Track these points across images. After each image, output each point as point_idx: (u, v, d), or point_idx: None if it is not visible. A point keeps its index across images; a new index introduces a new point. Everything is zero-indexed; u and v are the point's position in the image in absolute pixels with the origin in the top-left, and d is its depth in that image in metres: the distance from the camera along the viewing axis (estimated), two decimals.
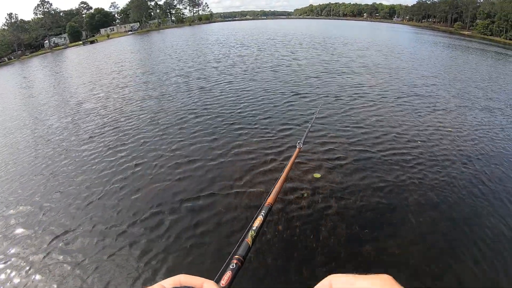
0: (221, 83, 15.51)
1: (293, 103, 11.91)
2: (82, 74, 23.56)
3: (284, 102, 11.97)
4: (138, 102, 13.68)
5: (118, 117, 11.81)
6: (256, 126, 9.67)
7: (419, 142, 8.57)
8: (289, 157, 6.07)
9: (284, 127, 9.50)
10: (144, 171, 7.32)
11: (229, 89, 14.26)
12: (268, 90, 13.75)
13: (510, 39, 62.13)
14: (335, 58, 22.70)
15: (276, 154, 7.71)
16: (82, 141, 9.83)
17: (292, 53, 25.95)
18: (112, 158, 8.21)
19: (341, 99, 12.35)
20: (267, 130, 9.25)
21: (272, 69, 18.77)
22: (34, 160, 8.83)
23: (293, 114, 10.68)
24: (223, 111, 11.27)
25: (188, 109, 11.83)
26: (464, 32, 75.59)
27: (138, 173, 7.26)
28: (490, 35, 67.95)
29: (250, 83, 15.20)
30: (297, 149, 2.47)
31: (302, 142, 2.61)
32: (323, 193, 6.03)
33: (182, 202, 5.93)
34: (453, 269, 4.45)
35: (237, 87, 14.51)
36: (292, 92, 13.37)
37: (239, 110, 11.28)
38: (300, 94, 13.10)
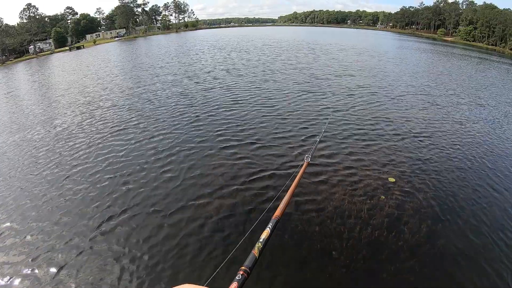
0: (241, 83, 15.84)
1: (309, 100, 12.70)
2: (84, 76, 22.95)
3: (301, 100, 12.61)
4: (158, 98, 13.84)
5: (142, 112, 11.85)
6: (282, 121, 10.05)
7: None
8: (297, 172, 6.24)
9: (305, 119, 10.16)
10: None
11: (250, 89, 14.50)
12: (283, 90, 14.35)
13: (492, 45, 64.61)
14: (338, 63, 23.65)
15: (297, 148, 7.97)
16: (117, 131, 9.83)
17: (292, 58, 26.78)
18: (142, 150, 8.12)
19: (354, 96, 13.38)
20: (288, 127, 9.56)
21: (281, 72, 19.28)
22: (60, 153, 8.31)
23: (309, 111, 11.12)
24: (247, 107, 11.73)
25: (216, 103, 12.27)
26: (447, 38, 78.20)
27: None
28: (473, 41, 70.49)
29: (267, 84, 15.55)
30: (305, 163, 2.51)
31: (310, 156, 2.63)
32: (400, 196, 6.02)
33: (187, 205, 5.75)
34: None
35: (257, 87, 14.89)
36: (306, 91, 14.16)
37: (265, 107, 11.57)
38: (312, 92, 13.99)
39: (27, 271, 4.44)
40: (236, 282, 0.94)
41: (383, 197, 5.91)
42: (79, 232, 5.17)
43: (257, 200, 5.75)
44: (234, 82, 15.96)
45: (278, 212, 1.51)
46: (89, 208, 5.80)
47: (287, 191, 1.79)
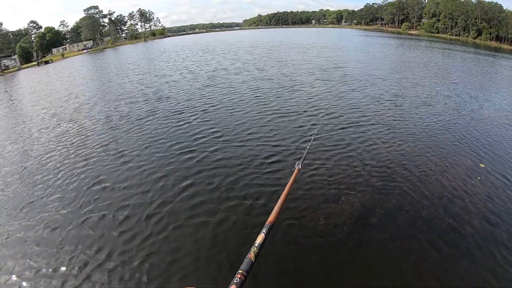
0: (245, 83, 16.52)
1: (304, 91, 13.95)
2: (85, 83, 22.22)
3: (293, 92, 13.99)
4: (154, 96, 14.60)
5: (143, 113, 12.28)
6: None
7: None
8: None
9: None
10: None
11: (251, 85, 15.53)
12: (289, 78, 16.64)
13: (456, 35, 68.40)
14: (328, 60, 24.86)
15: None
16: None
17: (284, 57, 28.06)
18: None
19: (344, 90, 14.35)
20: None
21: (278, 67, 21.00)
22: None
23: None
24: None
25: (217, 102, 12.94)
26: (411, 32, 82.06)
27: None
28: (437, 33, 74.30)
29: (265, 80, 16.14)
30: (296, 170, 2.58)
31: (301, 163, 2.71)
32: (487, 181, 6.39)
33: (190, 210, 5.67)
34: None
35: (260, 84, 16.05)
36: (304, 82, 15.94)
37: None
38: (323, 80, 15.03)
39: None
40: (234, 285, 0.99)
41: (475, 180, 6.30)
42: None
43: (250, 207, 5.63)
44: (233, 82, 16.89)
45: (271, 218, 1.60)
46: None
47: (279, 198, 1.88)
